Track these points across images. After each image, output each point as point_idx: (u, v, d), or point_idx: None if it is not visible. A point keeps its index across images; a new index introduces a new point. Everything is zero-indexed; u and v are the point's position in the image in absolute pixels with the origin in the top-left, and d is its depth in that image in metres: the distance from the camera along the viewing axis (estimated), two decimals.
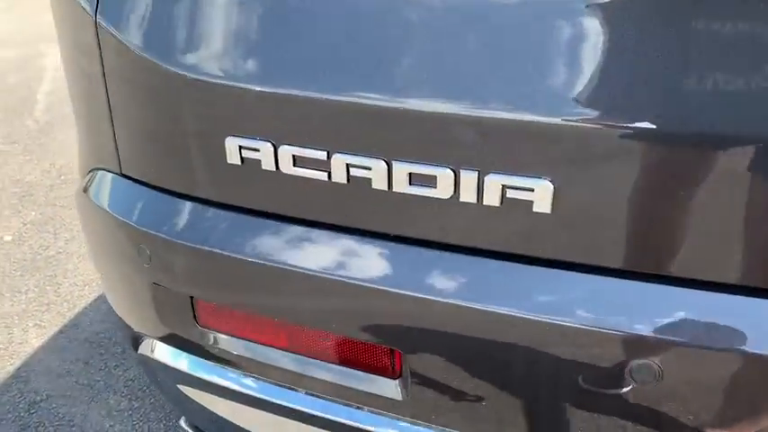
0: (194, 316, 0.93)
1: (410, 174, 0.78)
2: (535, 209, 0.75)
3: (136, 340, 1.06)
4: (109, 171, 0.98)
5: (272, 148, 0.83)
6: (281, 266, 0.86)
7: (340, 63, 0.78)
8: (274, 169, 0.84)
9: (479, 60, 0.73)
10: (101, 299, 2.42)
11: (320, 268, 0.85)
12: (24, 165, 3.56)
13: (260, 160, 0.84)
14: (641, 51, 0.66)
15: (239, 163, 0.86)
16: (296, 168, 0.83)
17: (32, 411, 1.96)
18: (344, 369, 0.90)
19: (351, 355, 0.90)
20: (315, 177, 0.83)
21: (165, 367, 1.01)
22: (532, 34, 0.70)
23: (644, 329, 0.74)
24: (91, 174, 1.02)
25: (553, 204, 0.74)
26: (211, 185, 0.91)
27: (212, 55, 0.84)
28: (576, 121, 0.70)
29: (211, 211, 0.90)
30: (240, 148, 0.85)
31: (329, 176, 0.82)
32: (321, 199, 0.85)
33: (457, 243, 0.82)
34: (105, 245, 1.01)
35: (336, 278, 0.84)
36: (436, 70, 0.74)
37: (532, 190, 0.74)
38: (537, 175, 0.73)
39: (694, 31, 0.65)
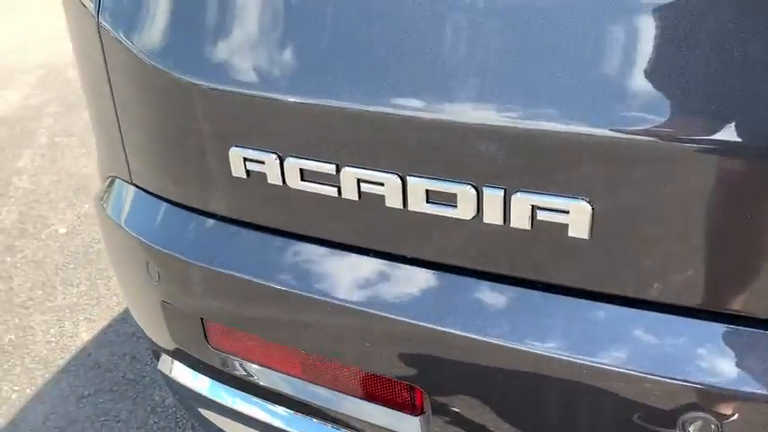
0: (205, 336, 0.88)
1: (427, 191, 0.70)
2: (571, 233, 0.65)
3: (156, 353, 1.03)
4: (122, 179, 0.93)
5: (278, 161, 0.76)
6: (288, 290, 0.79)
7: (350, 68, 0.71)
8: (281, 184, 0.77)
9: (505, 62, 0.64)
10: None
11: (330, 294, 0.78)
12: (80, 158, 3.63)
13: (265, 173, 0.78)
14: (710, 47, 0.55)
15: (244, 176, 0.80)
16: (304, 183, 0.76)
17: (81, 406, 1.98)
18: (363, 402, 0.83)
19: (368, 389, 0.83)
20: (324, 193, 0.76)
21: (180, 385, 0.97)
22: (571, 32, 0.61)
23: (700, 377, 0.63)
24: (108, 180, 0.98)
25: (592, 228, 0.64)
26: (216, 199, 0.86)
27: (216, 60, 0.78)
28: (620, 131, 0.60)
29: (219, 228, 0.84)
30: (245, 159, 0.78)
31: (339, 192, 0.75)
32: (331, 217, 0.78)
33: (479, 269, 0.73)
34: (119, 256, 0.97)
35: (348, 305, 0.77)
36: (456, 74, 0.66)
37: (567, 211, 0.65)
38: (573, 194, 0.64)
39: None
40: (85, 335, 2.26)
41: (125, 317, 2.33)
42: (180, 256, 0.84)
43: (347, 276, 0.79)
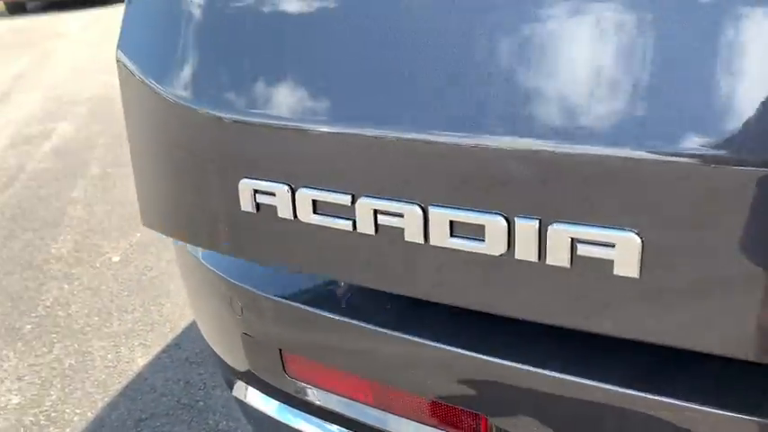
0: (283, 367, 0.94)
1: (451, 222, 0.63)
2: (617, 271, 0.58)
3: (230, 381, 1.09)
4: None
5: (290, 192, 0.72)
6: (354, 324, 0.81)
7: (365, 91, 0.66)
8: (292, 218, 0.73)
9: (541, 79, 0.58)
10: None
11: (402, 330, 0.79)
12: (131, 188, 3.77)
13: (276, 206, 0.74)
14: None
15: (254, 211, 0.76)
16: (316, 216, 0.71)
17: (138, 429, 2.07)
18: (430, 429, 0.86)
19: (436, 416, 0.85)
20: (337, 227, 0.70)
21: (254, 410, 1.03)
22: (615, 47, 0.56)
23: None
24: None
25: (642, 265, 0.57)
26: (224, 237, 0.83)
27: (225, 88, 0.76)
28: (674, 153, 0.53)
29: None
30: (255, 192, 0.75)
31: (354, 226, 0.69)
32: (348, 255, 0.73)
33: (511, 314, 0.66)
34: (200, 291, 1.04)
35: (413, 339, 0.78)
36: (483, 92, 0.60)
37: (613, 245, 0.57)
38: (620, 225, 0.57)
39: None
40: (141, 360, 2.35)
41: (178, 342, 2.42)
42: (263, 294, 0.88)
43: (414, 312, 0.81)
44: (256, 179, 0.74)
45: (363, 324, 0.81)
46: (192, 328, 2.48)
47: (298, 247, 0.77)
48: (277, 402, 1.00)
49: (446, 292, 0.69)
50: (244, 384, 1.05)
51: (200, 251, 0.98)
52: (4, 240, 3.28)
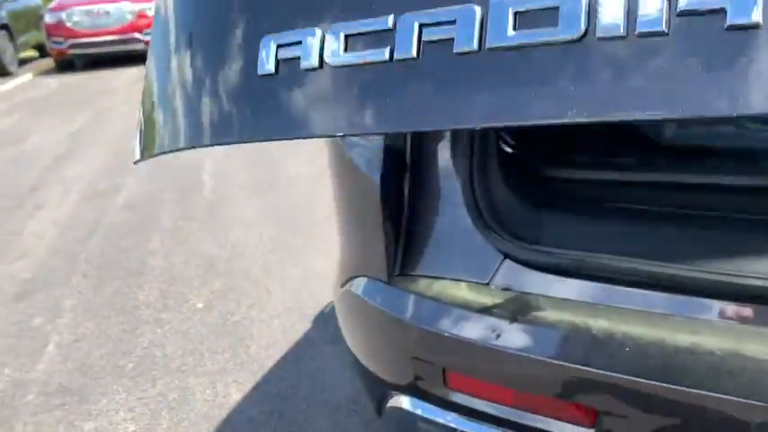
0: (444, 380, 1.25)
1: (516, 14, 0.54)
2: None
3: (383, 398, 1.41)
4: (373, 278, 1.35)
5: (319, 34, 0.66)
6: (515, 352, 1.11)
7: None
8: (317, 65, 0.67)
9: None
10: (284, 359, 2.85)
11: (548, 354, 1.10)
12: (204, 239, 4.16)
13: (299, 58, 0.68)
14: None
15: (273, 71, 0.72)
16: (348, 56, 0.65)
17: None
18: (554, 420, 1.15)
19: (559, 411, 1.14)
20: (372, 61, 0.64)
21: (410, 413, 1.33)
22: None
23: None
24: (358, 279, 1.39)
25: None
26: (240, 118, 0.81)
27: None
28: None
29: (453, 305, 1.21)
30: (277, 48, 0.70)
31: (391, 54, 0.62)
32: (380, 97, 0.65)
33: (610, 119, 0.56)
34: (371, 329, 1.37)
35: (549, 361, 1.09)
36: None
37: None
38: None
39: None
40: (236, 395, 2.68)
41: (267, 379, 2.74)
42: (438, 331, 1.19)
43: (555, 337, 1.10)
44: (280, 32, 0.69)
45: (523, 353, 1.12)
46: (279, 366, 2.81)
47: (319, 104, 0.71)
48: (434, 406, 1.32)
49: (513, 112, 0.59)
50: (399, 396, 1.37)
51: (376, 298, 1.32)
52: (95, 288, 3.65)
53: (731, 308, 0.95)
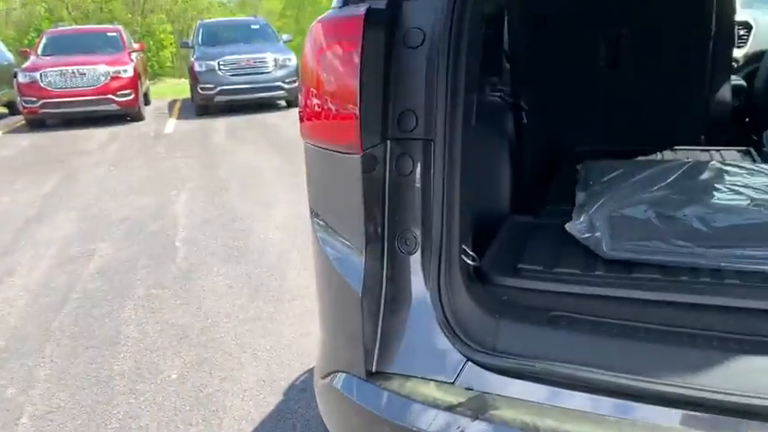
0: None
1: None
2: None
3: None
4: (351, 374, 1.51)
5: None
6: None
7: None
8: None
9: None
10: None
11: None
12: (176, 308, 4.26)
13: None
14: None
15: None
16: None
17: None
18: None
19: None
20: None
21: None
22: None
23: None
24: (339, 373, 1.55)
25: None
26: None
27: None
28: None
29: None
30: None
31: None
32: None
33: None
34: (349, 424, 1.53)
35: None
36: None
37: None
38: None
39: None
40: None
41: None
42: (407, 426, 1.35)
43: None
44: None
45: None
46: None
47: None
48: None
49: None
50: None
51: (353, 393, 1.48)
52: (69, 357, 3.71)
53: (664, 412, 1.15)
